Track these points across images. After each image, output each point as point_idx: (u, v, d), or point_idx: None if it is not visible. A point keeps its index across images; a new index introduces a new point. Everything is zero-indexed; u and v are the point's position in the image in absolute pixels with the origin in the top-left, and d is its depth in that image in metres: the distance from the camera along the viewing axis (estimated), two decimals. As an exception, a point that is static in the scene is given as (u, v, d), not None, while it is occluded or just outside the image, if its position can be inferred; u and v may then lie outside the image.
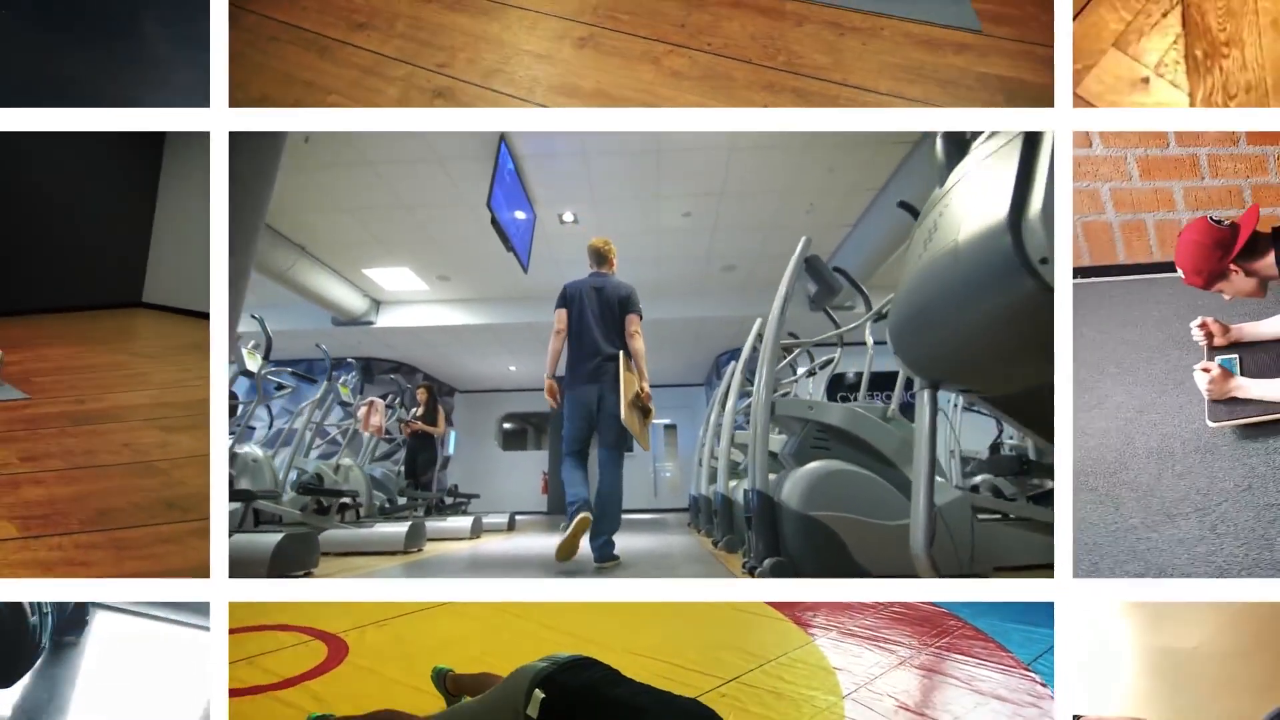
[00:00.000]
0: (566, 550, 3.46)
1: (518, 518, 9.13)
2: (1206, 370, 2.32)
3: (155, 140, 4.20)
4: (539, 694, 1.56)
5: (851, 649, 2.58)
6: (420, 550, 4.97)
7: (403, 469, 7.61)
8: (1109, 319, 3.00)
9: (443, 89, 2.13)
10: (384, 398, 7.21)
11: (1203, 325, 2.61)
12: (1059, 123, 1.99)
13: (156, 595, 2.26)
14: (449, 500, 8.60)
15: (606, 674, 1.67)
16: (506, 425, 14.15)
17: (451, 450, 13.16)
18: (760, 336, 4.11)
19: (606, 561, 3.60)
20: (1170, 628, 2.27)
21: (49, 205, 3.93)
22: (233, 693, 2.15)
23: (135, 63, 1.99)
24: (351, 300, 8.39)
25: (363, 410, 6.65)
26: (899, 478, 2.99)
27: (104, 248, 4.19)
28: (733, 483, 4.78)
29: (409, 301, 8.96)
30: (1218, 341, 2.61)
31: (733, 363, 5.49)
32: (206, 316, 3.43)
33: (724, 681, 2.37)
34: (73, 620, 1.99)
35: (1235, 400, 2.28)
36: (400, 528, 4.88)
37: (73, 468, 2.21)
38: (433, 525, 6.16)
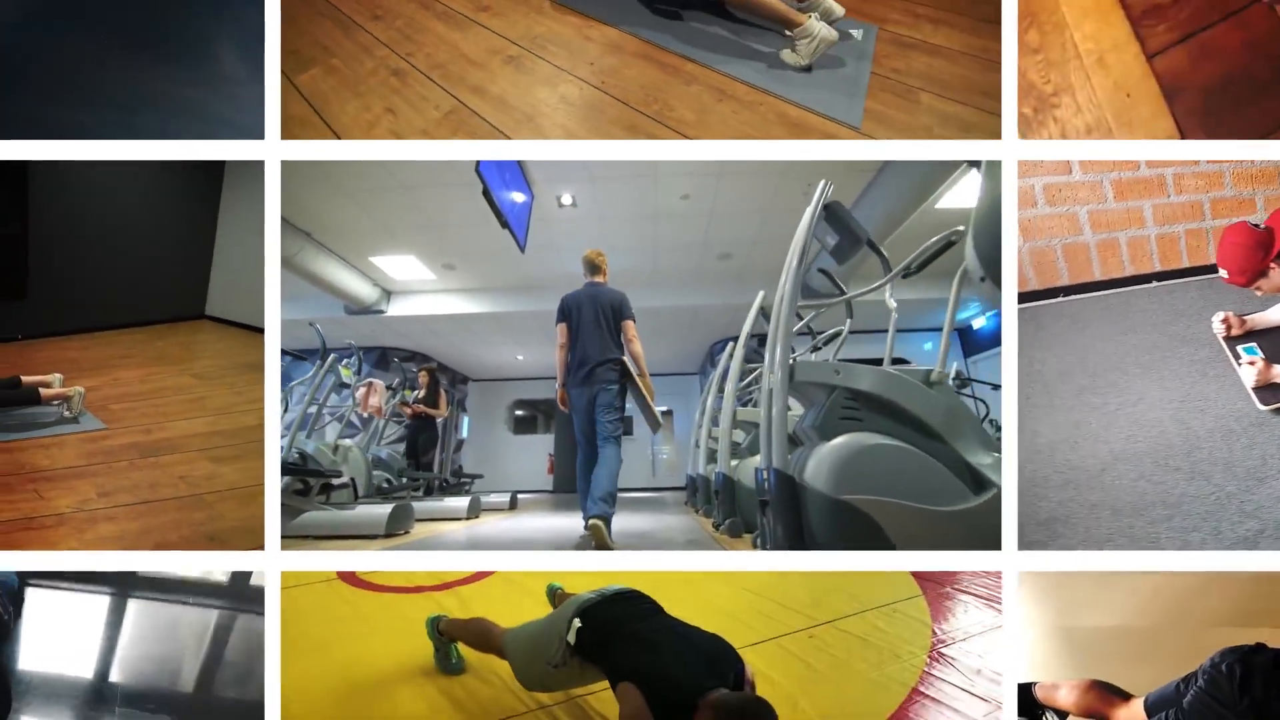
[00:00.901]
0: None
1: (526, 497, 9.33)
2: (1253, 364, 2.58)
3: (217, 162, 4.67)
4: (577, 623, 1.76)
5: (961, 606, 2.64)
6: (406, 533, 4.77)
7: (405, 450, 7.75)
8: (1108, 328, 3.23)
9: (398, 69, 2.74)
10: (391, 384, 7.36)
11: (1225, 319, 2.87)
12: (1006, 153, 2.22)
13: (217, 565, 2.57)
14: (453, 480, 8.71)
15: (641, 608, 1.83)
16: (518, 412, 14.72)
17: (465, 434, 13.65)
18: (763, 311, 3.97)
19: (597, 517, 3.69)
20: (1097, 608, 2.42)
21: (123, 226, 4.41)
22: (398, 589, 2.61)
23: (202, 77, 2.23)
24: (361, 289, 8.62)
25: (361, 391, 6.77)
26: (947, 453, 2.69)
27: (171, 265, 4.69)
28: (734, 462, 4.68)
29: (419, 291, 9.19)
30: (1235, 332, 2.86)
31: (731, 343, 5.51)
32: (261, 330, 3.81)
33: (817, 624, 2.48)
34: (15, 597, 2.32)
35: (1275, 385, 2.53)
36: (384, 509, 4.63)
37: (139, 502, 2.50)
38: (427, 506, 6.06)
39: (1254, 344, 2.75)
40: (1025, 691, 2.05)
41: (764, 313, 3.91)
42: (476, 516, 6.37)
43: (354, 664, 2.15)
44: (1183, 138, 2.18)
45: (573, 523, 4.41)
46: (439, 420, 8.07)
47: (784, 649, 2.37)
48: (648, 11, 2.84)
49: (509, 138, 2.45)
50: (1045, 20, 2.21)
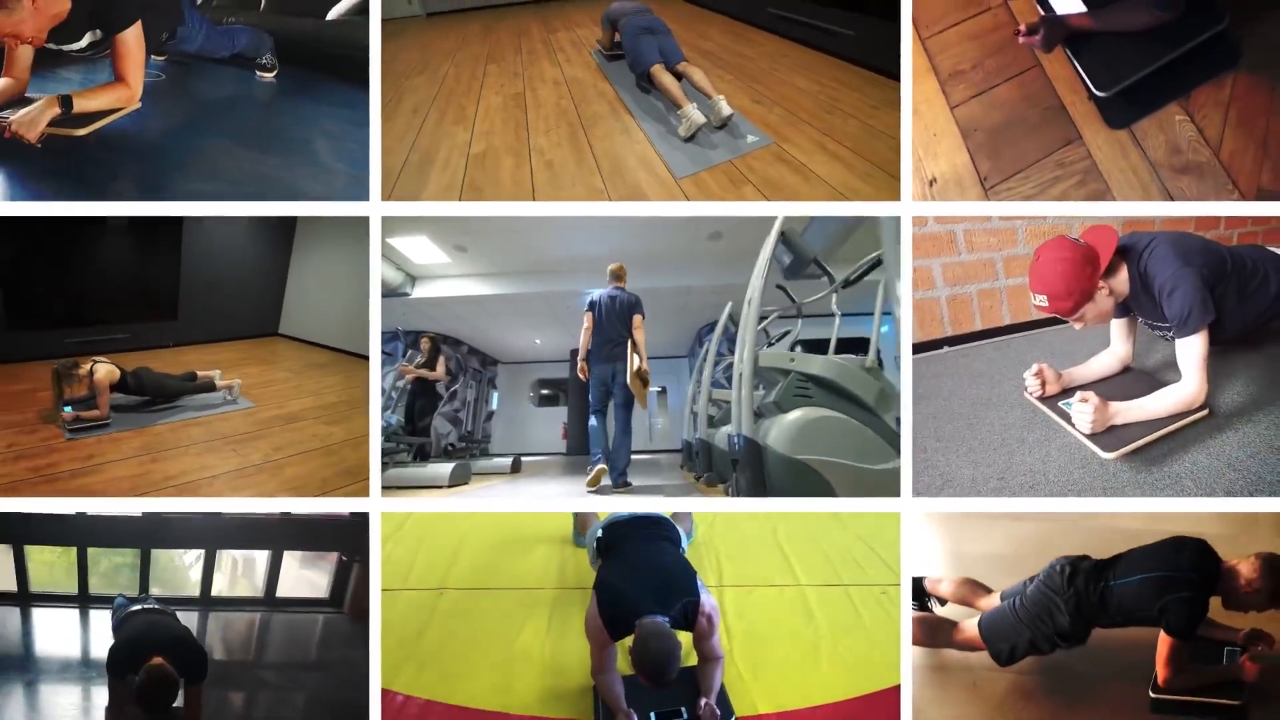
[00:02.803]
0: (592, 485, 4.80)
1: (536, 460, 9.67)
2: (1085, 400, 2.15)
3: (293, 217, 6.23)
4: (599, 533, 2.14)
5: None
6: (357, 509, 4.72)
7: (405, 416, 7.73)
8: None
9: (515, 73, 5.09)
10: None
11: (1039, 373, 2.48)
12: (903, 210, 2.73)
13: (334, 508, 3.45)
14: (458, 445, 8.90)
15: (643, 532, 2.08)
16: (543, 390, 15.94)
17: (495, 407, 14.89)
18: (784, 235, 3.84)
19: (620, 486, 4.94)
20: (980, 541, 2.70)
21: (230, 263, 5.96)
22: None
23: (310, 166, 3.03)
24: (386, 271, 8.69)
25: (353, 357, 7.03)
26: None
27: (257, 293, 6.39)
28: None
29: (439, 276, 9.47)
30: (1050, 389, 2.51)
31: (730, 305, 5.84)
32: (325, 346, 5.96)
33: (897, 583, 2.46)
34: None
35: (1115, 428, 2.18)
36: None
37: (299, 453, 3.54)
38: (402, 473, 5.80)
39: (1070, 401, 2.29)
40: (918, 583, 2.45)
41: (784, 238, 3.88)
42: (465, 483, 5.83)
43: (521, 523, 2.96)
44: (974, 166, 2.72)
45: (570, 488, 5.03)
46: (441, 386, 8.15)
47: (849, 597, 2.46)
48: (632, 84, 4.25)
49: (526, 113, 4.05)
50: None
